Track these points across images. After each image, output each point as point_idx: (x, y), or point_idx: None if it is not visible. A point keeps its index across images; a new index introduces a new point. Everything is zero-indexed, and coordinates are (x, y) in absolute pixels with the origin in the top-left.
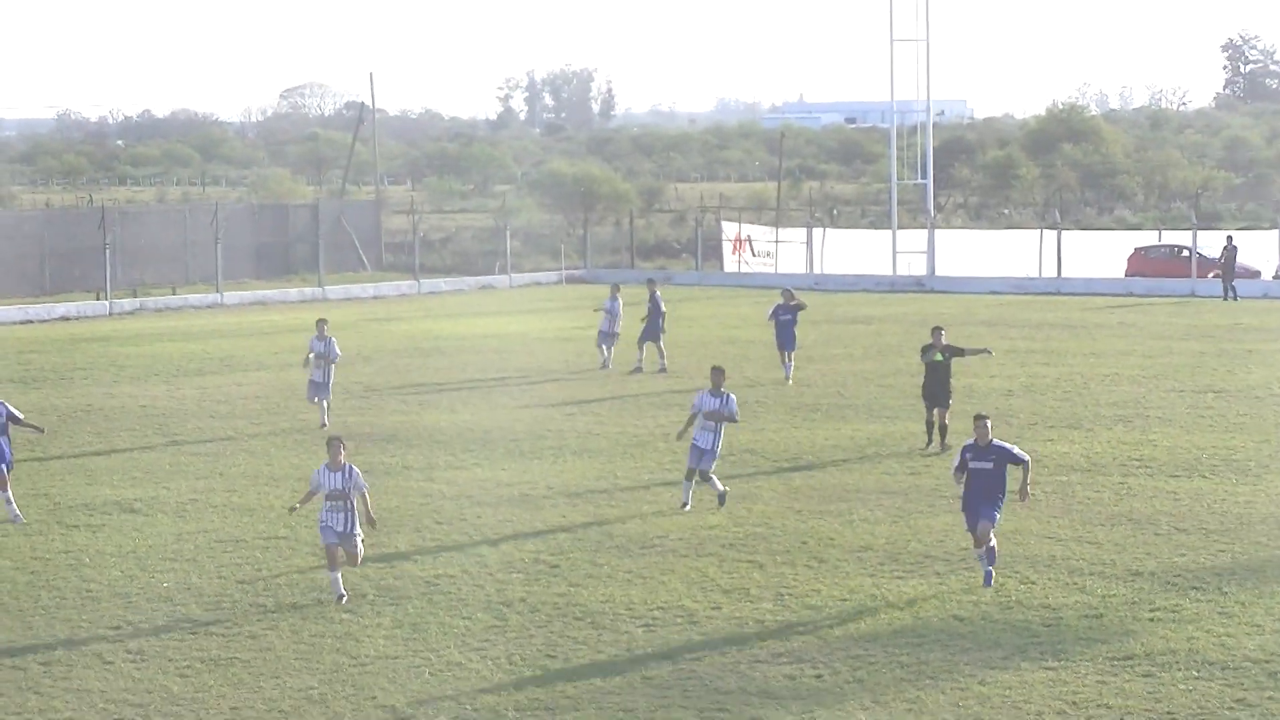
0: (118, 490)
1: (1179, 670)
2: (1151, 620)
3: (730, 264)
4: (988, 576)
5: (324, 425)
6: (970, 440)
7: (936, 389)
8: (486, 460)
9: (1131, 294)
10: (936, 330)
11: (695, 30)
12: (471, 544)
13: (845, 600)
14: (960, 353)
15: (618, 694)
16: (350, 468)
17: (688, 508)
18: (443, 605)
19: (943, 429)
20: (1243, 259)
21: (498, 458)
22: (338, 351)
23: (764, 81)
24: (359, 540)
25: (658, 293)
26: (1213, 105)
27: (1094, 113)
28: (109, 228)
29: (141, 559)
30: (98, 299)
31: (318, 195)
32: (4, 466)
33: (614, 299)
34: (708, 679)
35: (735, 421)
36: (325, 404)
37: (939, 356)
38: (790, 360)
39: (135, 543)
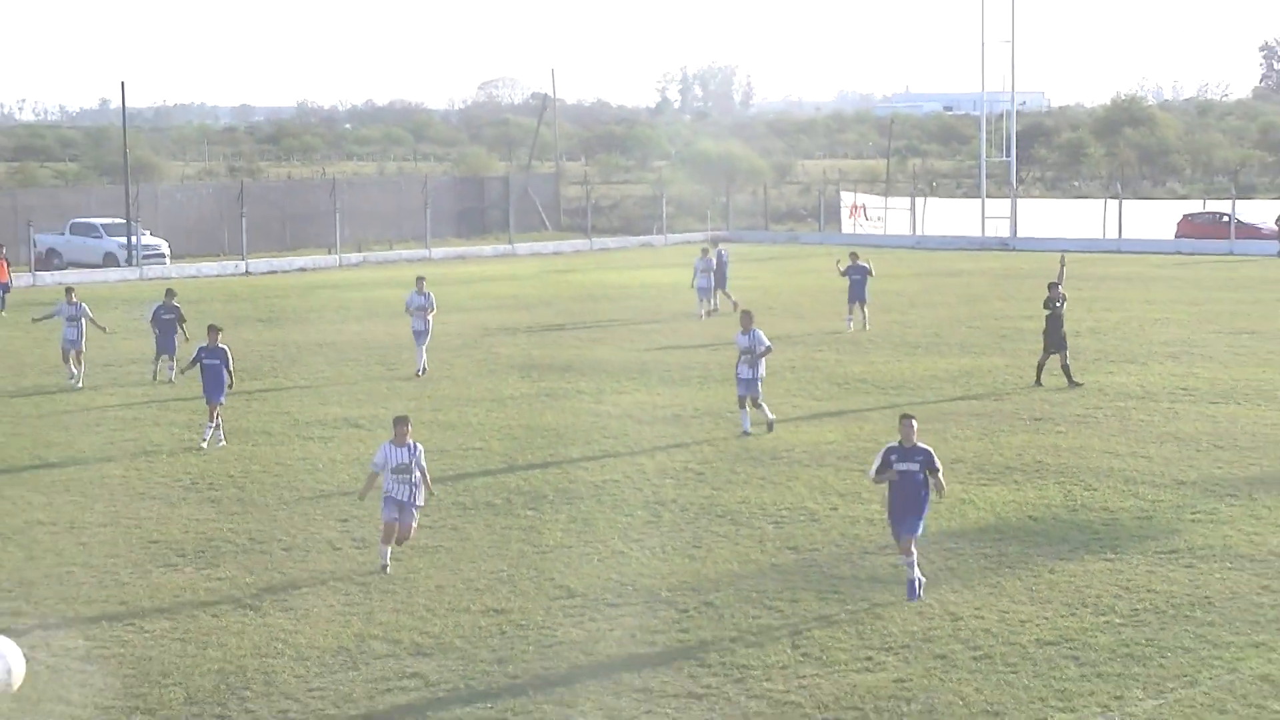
0: (345, 409)
1: (1215, 562)
2: (1193, 521)
3: (847, 226)
4: (911, 587)
5: (421, 371)
6: (894, 442)
7: (1053, 335)
8: (645, 386)
9: (1180, 253)
10: (1053, 285)
11: (820, 32)
12: (632, 454)
13: (939, 503)
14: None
15: (751, 579)
16: (415, 444)
17: (747, 432)
18: (609, 504)
19: (1065, 369)
20: None
21: (653, 384)
22: (433, 304)
23: (877, 75)
24: (416, 514)
25: (723, 251)
26: (1251, 96)
27: (1150, 103)
28: (338, 195)
29: (364, 465)
30: (329, 254)
31: (508, 169)
32: (219, 399)
33: (703, 257)
34: (826, 566)
35: (767, 352)
36: (423, 350)
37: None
38: (864, 311)
39: (359, 451)
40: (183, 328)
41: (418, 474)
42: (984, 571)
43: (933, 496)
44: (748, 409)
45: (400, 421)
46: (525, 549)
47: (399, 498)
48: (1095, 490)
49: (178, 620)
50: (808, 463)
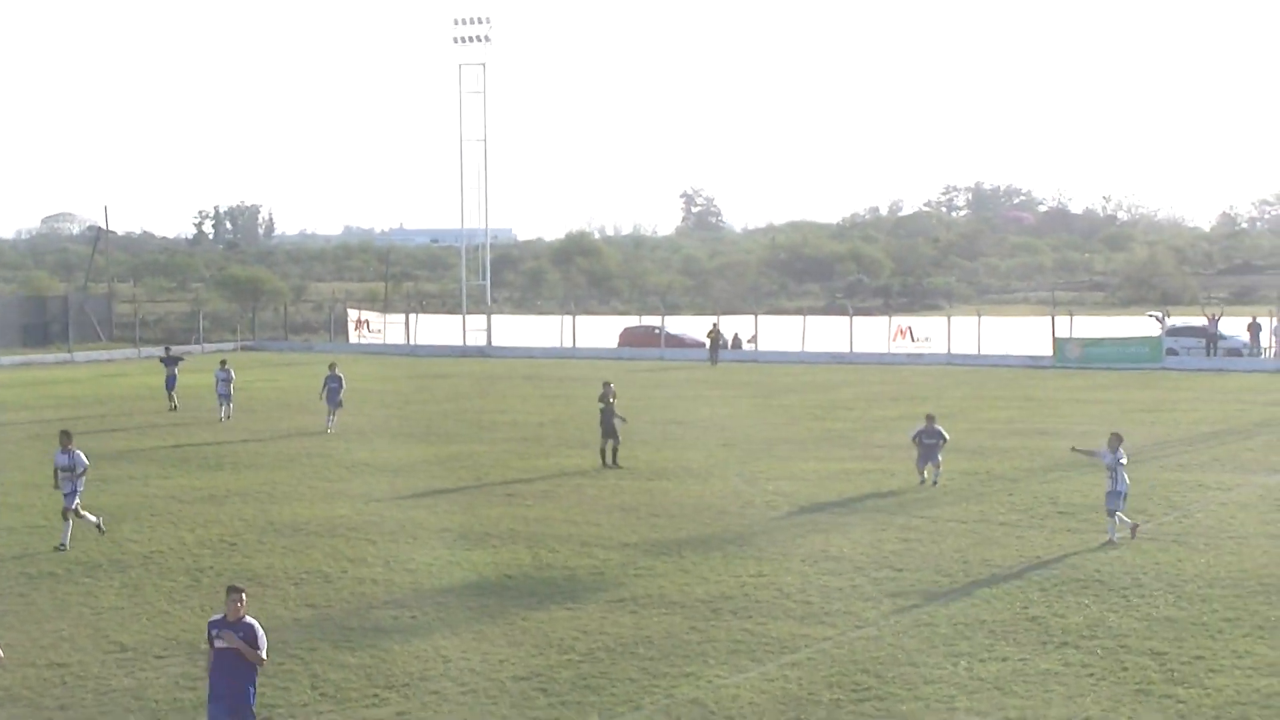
0: None
1: (654, 608)
2: (636, 575)
3: (354, 337)
4: None
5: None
6: (217, 615)
7: (606, 426)
8: (185, 472)
9: (622, 358)
10: (606, 384)
11: (328, 175)
12: (175, 529)
13: (431, 564)
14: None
15: (276, 631)
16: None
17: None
18: (155, 571)
19: (613, 451)
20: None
21: (192, 470)
22: (85, 462)
23: (376, 212)
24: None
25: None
26: (674, 233)
27: (596, 236)
28: None
29: None
30: None
31: (68, 290)
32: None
33: (221, 368)
34: (339, 619)
35: (85, 470)
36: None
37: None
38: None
39: None
40: None
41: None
42: (469, 621)
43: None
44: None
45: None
46: (83, 611)
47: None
48: (558, 552)
49: None
50: (323, 534)
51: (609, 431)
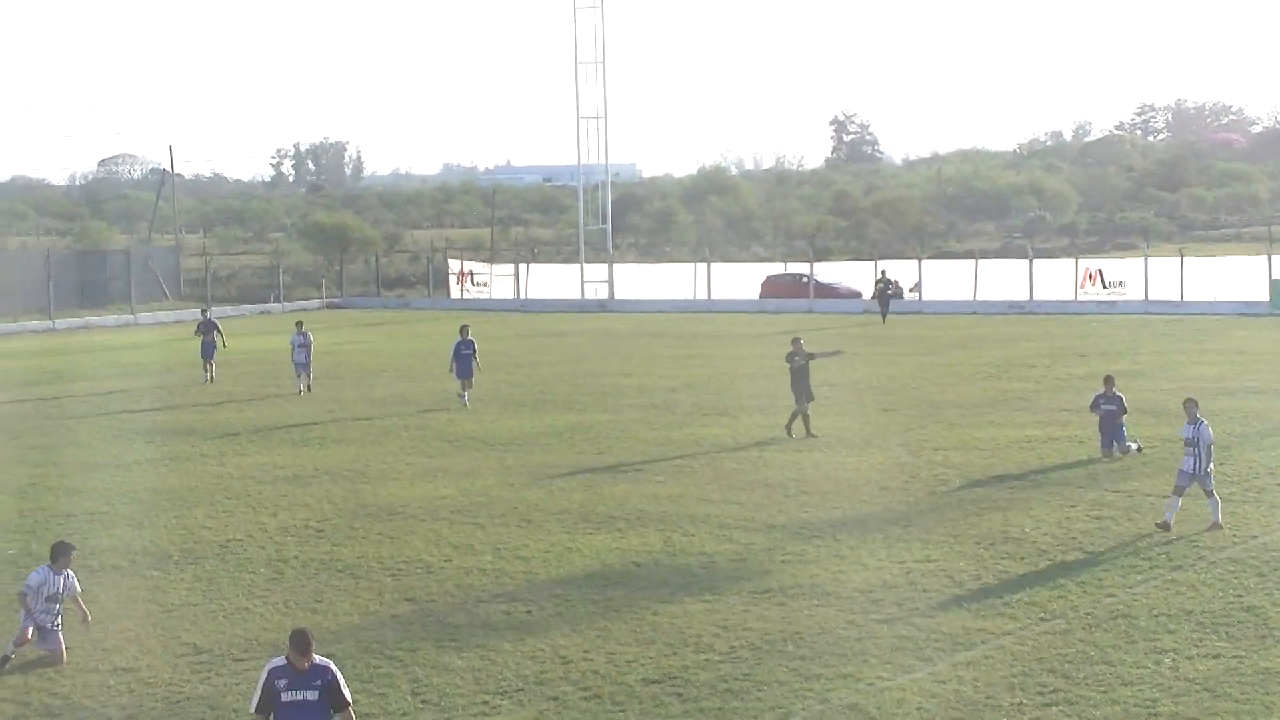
0: None
1: (804, 599)
2: (784, 562)
3: (455, 292)
4: None
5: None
6: (280, 661)
7: (800, 387)
8: (265, 449)
9: (764, 311)
10: (796, 340)
11: (423, 107)
12: (254, 513)
13: (548, 552)
14: (813, 356)
15: (371, 630)
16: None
17: None
18: (232, 563)
19: (805, 419)
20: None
21: (274, 446)
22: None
23: (479, 149)
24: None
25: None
26: (824, 167)
27: (733, 173)
28: None
29: None
30: None
31: (129, 242)
32: None
33: (298, 332)
34: (442, 615)
35: None
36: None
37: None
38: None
39: None
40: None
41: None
42: (591, 616)
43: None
44: None
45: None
46: (151, 608)
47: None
48: (693, 535)
49: None
50: (423, 517)
51: (805, 393)
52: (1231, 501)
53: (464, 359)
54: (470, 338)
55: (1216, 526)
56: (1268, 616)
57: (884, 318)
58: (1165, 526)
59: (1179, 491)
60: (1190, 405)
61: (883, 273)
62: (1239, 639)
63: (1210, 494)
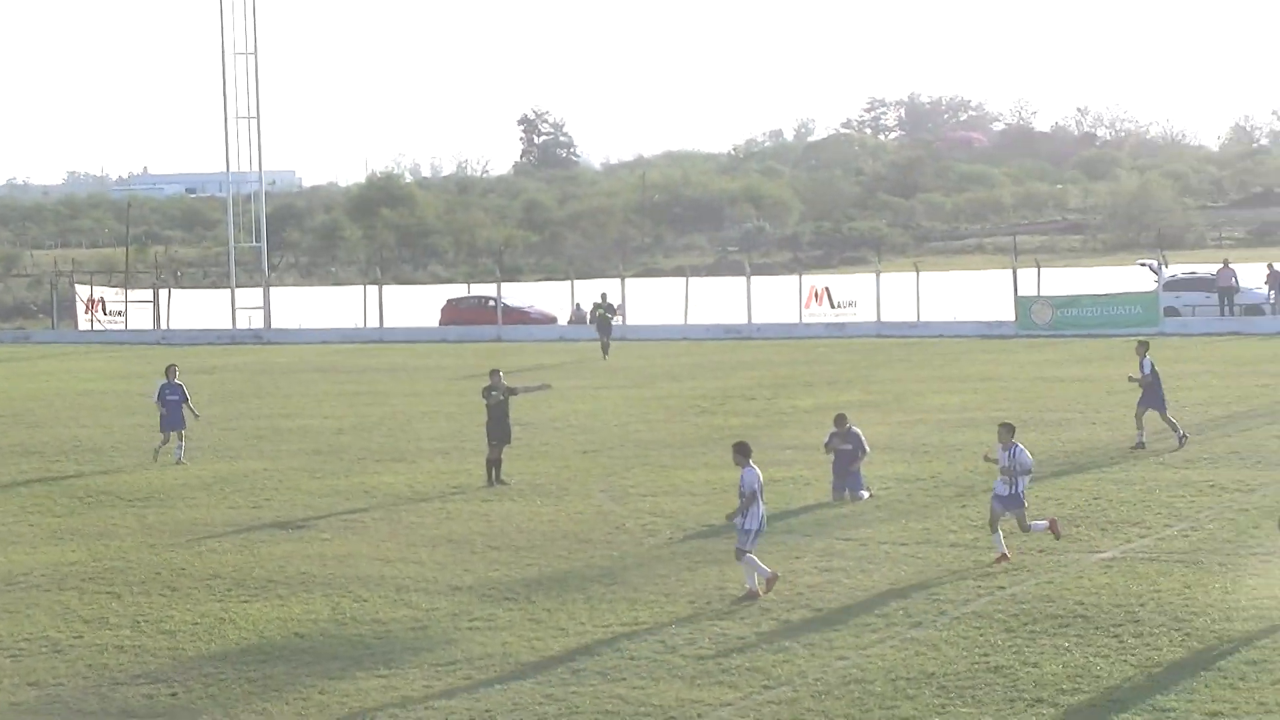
0: None
1: (495, 671)
2: (470, 629)
3: (84, 323)
4: None
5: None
6: None
7: (497, 427)
8: None
9: (446, 340)
10: (494, 372)
11: (42, 105)
12: None
13: (197, 624)
14: (514, 391)
15: None
16: None
17: None
18: None
19: (497, 464)
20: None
21: None
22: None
23: (110, 154)
24: None
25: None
26: (512, 172)
27: (408, 180)
28: None
29: None
30: None
31: None
32: None
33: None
34: (71, 702)
35: None
36: None
37: (499, 396)
38: None
39: None
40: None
41: None
42: (248, 697)
43: None
44: None
45: None
46: None
47: None
48: (365, 601)
49: None
50: (48, 587)
51: (503, 434)
52: (976, 549)
53: (172, 406)
54: (178, 380)
55: (1005, 559)
56: (1017, 677)
57: (605, 349)
58: (1003, 558)
59: (995, 522)
60: (1004, 430)
61: (603, 295)
62: (985, 703)
63: (1027, 529)
